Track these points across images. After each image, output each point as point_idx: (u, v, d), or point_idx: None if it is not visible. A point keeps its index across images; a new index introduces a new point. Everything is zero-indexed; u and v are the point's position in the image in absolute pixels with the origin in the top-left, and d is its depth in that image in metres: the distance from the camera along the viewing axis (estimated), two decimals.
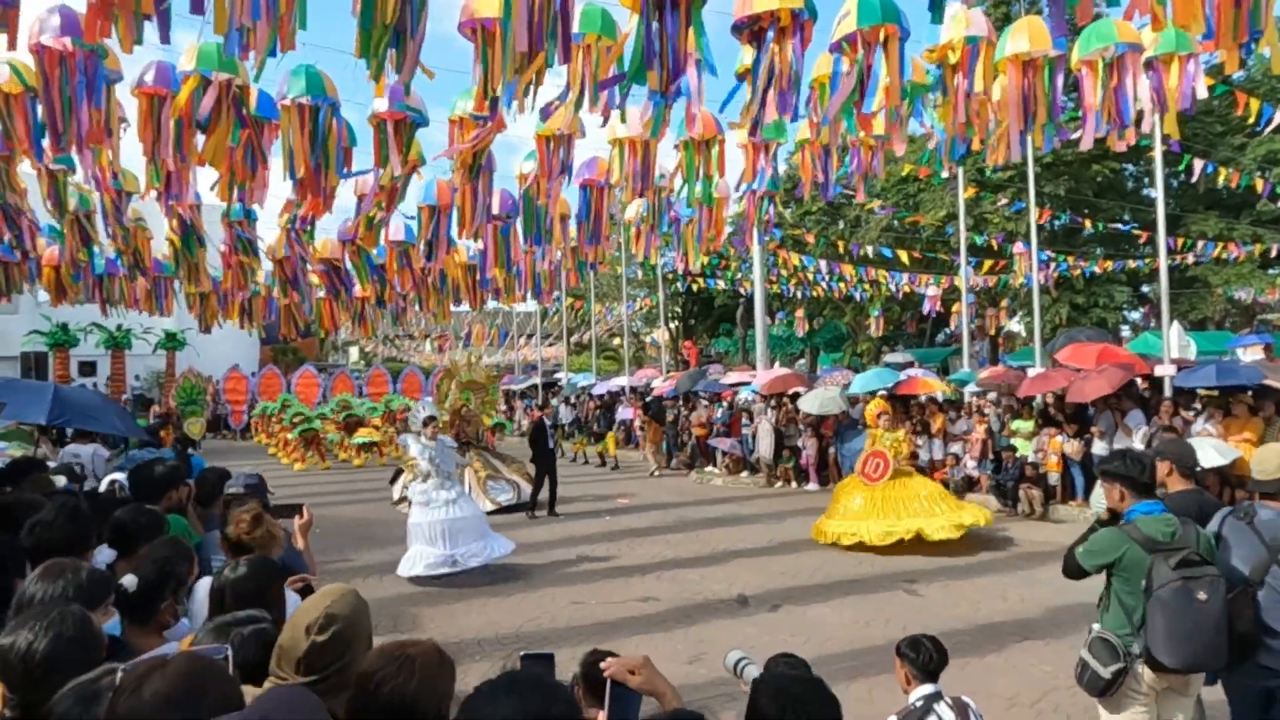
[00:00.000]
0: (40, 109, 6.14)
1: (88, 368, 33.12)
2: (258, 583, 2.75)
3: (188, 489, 4.59)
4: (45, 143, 6.36)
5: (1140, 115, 6.21)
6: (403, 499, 13.95)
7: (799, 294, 32.25)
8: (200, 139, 6.65)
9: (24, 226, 9.76)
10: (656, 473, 20.06)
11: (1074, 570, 3.82)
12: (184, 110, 6.36)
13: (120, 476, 6.76)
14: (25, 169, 7.98)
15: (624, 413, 24.77)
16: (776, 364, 29.27)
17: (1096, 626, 3.69)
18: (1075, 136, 6.71)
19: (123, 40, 4.64)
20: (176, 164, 6.88)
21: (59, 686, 1.92)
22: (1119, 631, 3.60)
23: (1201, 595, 3.41)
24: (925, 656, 3.58)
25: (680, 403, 22.01)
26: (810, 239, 26.66)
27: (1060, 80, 6.21)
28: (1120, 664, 3.52)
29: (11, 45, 4.96)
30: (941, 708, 3.38)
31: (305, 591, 2.99)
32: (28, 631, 1.98)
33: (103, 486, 6.77)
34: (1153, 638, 3.43)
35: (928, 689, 3.51)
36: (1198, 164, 17.55)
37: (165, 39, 4.54)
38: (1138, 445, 11.98)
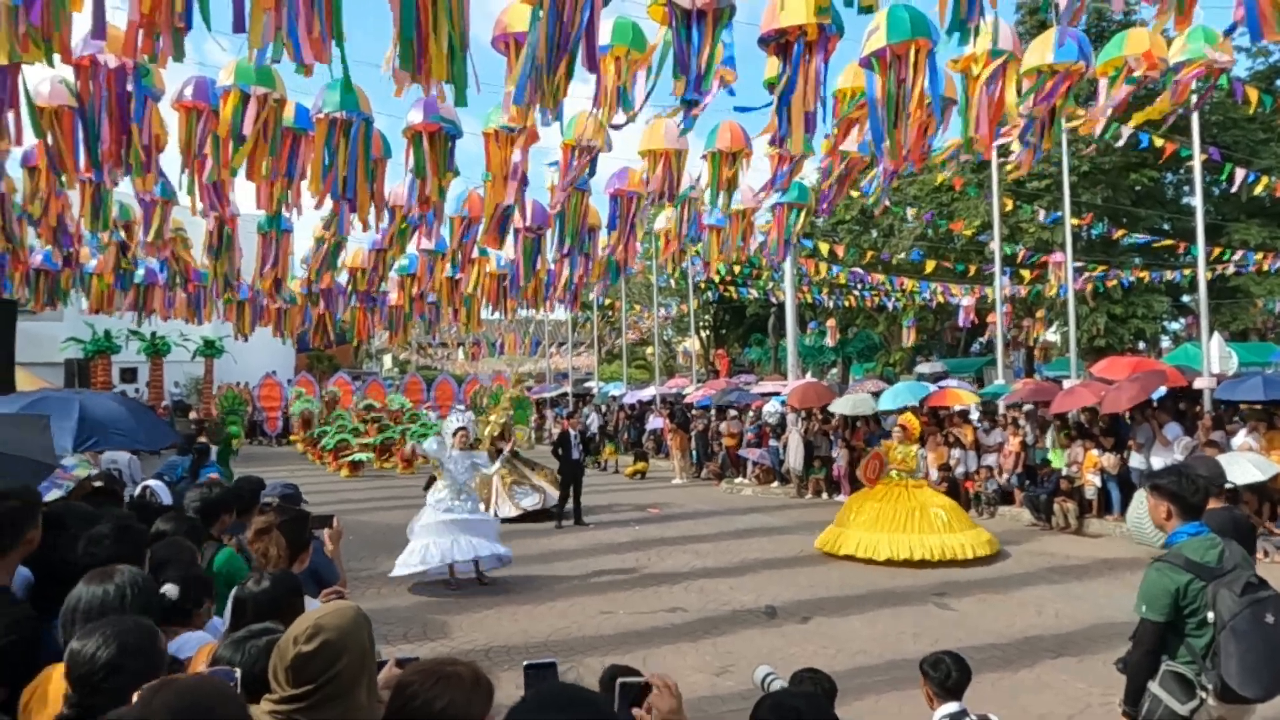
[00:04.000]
0: (87, 124, 6.33)
1: (129, 374, 33.69)
2: (275, 595, 2.82)
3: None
4: (87, 158, 6.56)
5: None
6: None
7: (831, 303, 32.09)
8: (239, 150, 6.82)
9: (70, 236, 10.03)
10: (677, 481, 20.12)
11: (1145, 649, 3.53)
12: (226, 124, 6.51)
13: (154, 483, 6.90)
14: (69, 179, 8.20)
15: (654, 422, 24.78)
16: (808, 374, 29.13)
17: (1165, 659, 3.50)
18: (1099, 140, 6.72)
19: (161, 56, 4.77)
20: (221, 175, 7.04)
21: (118, 692, 2.02)
22: (1185, 662, 3.44)
23: (1269, 619, 3.29)
24: (944, 673, 3.54)
25: (711, 412, 21.98)
26: (840, 250, 26.53)
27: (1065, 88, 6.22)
28: (1197, 700, 3.38)
29: (66, 59, 5.11)
30: None
31: None
32: (98, 637, 2.11)
33: (135, 492, 6.90)
34: (1228, 670, 3.28)
35: (952, 707, 3.48)
36: (1239, 172, 17.23)
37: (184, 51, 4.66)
38: (1177, 457, 11.81)
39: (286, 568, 3.25)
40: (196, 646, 2.74)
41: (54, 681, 2.31)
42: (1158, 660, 3.50)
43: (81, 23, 4.89)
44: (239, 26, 4.51)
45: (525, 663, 2.04)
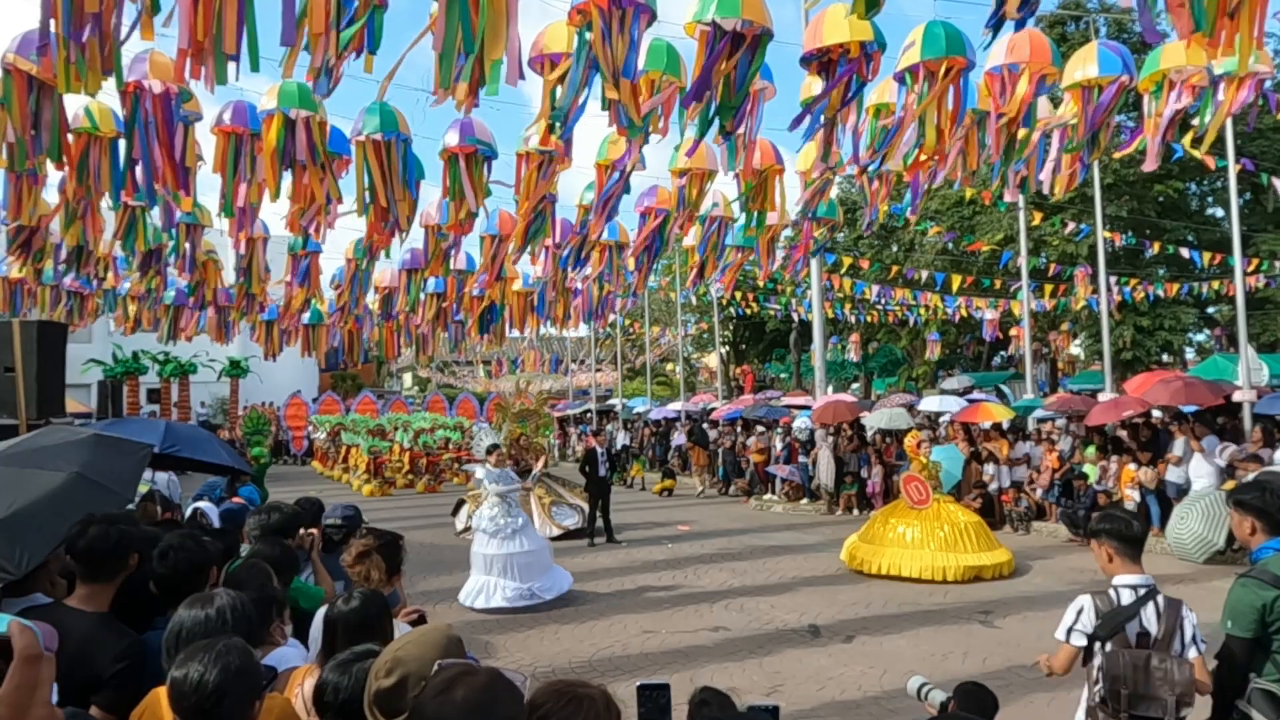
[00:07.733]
0: (125, 150, 6.39)
1: (156, 395, 33.94)
2: (365, 615, 2.81)
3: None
4: (134, 180, 6.63)
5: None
6: (467, 529, 14.06)
7: (854, 318, 31.99)
8: (273, 173, 6.88)
9: (100, 259, 10.12)
10: (700, 494, 20.30)
11: (1235, 666, 3.42)
12: (270, 148, 6.56)
13: (204, 505, 6.91)
14: (104, 204, 8.29)
15: (679, 438, 24.75)
16: (830, 389, 29.01)
17: (1253, 676, 3.41)
18: (1127, 153, 6.64)
19: (208, 81, 4.81)
20: (258, 198, 7.09)
21: (226, 715, 2.03)
22: (1274, 680, 3.36)
23: None
24: (1121, 525, 3.43)
25: (738, 428, 21.91)
26: (864, 264, 26.51)
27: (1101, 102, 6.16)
28: None
29: (119, 85, 5.17)
30: (1150, 611, 3.31)
31: (418, 624, 3.03)
32: (198, 664, 2.09)
33: (187, 514, 6.92)
34: None
35: (1136, 579, 3.40)
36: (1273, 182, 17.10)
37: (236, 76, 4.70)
38: (1220, 464, 11.73)
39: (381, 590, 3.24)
40: (290, 663, 2.73)
41: (163, 702, 2.30)
42: (1245, 678, 3.42)
43: (129, 46, 4.94)
44: (287, 40, 4.51)
45: (639, 683, 2.02)
